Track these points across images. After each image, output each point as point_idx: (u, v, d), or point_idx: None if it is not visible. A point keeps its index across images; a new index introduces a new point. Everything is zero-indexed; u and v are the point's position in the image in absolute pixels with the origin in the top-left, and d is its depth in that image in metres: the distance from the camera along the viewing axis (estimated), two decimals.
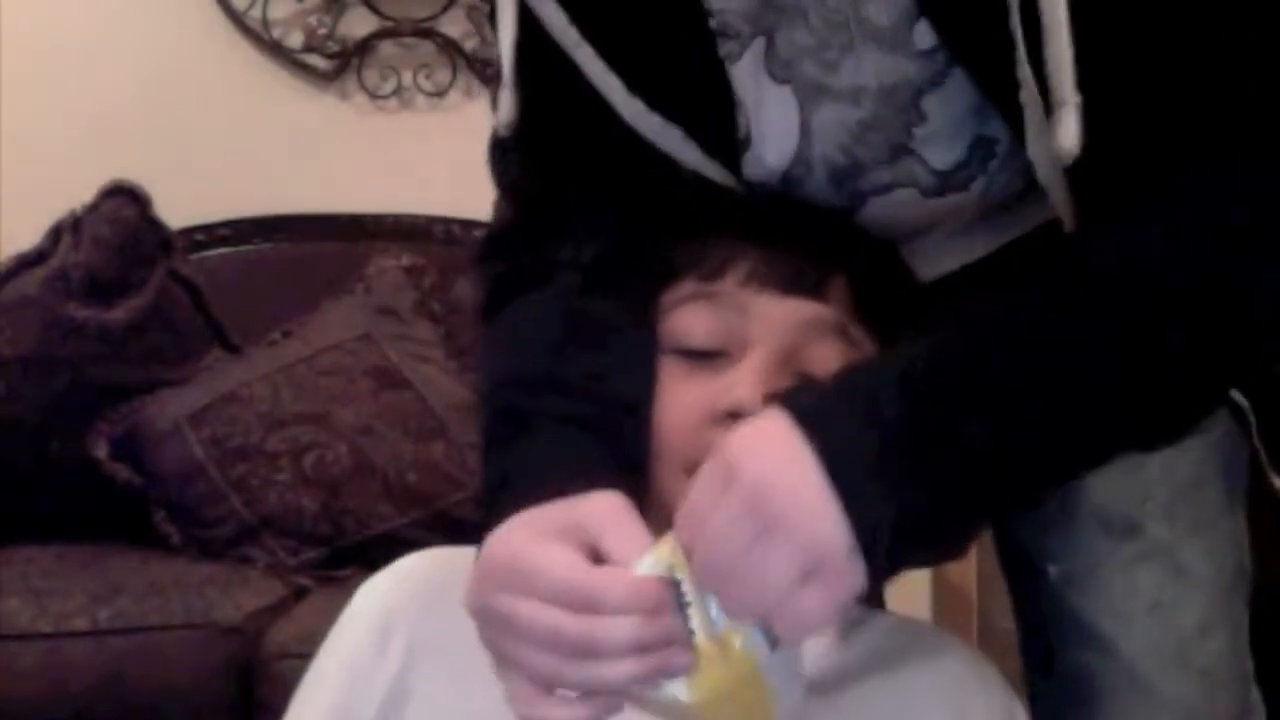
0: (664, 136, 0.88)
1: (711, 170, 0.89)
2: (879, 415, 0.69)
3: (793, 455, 0.68)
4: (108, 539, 2.15)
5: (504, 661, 0.73)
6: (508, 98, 0.89)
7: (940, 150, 0.85)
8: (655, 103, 0.86)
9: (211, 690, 1.84)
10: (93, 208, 2.27)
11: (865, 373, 0.75)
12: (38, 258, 2.27)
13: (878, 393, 0.70)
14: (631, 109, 0.87)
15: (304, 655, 1.76)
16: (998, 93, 0.79)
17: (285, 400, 2.16)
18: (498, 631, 0.73)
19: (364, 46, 2.61)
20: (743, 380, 0.81)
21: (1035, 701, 0.95)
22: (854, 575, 0.68)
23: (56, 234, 2.28)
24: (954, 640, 0.95)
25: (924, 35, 0.81)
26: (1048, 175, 0.80)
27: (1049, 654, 0.94)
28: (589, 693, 0.71)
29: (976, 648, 0.96)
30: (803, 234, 0.86)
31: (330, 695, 0.90)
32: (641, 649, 0.69)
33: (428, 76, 2.61)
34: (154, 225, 2.30)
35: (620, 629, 0.69)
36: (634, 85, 0.86)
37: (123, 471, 2.17)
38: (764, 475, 0.68)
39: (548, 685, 0.71)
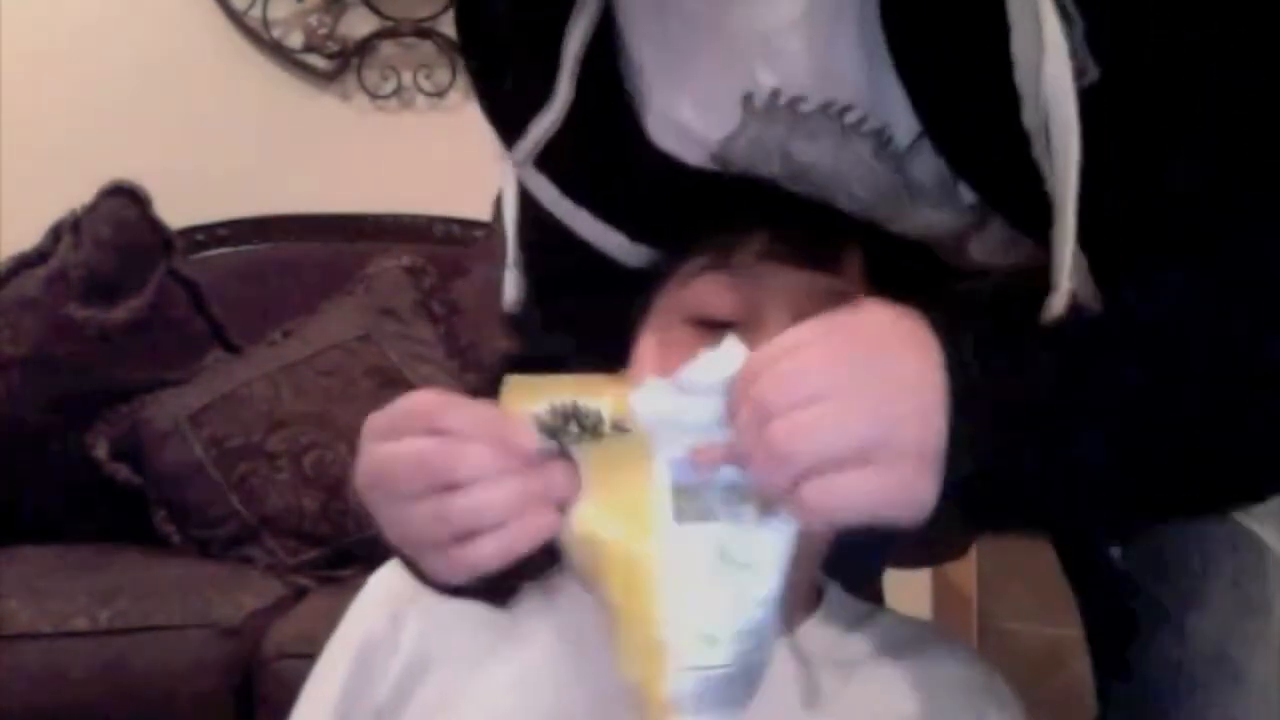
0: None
1: None
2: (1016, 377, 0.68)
3: (925, 344, 0.66)
4: (108, 539, 2.15)
5: (401, 531, 0.73)
6: (512, 279, 0.90)
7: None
8: (661, 241, 0.88)
9: (211, 690, 1.84)
10: (93, 208, 2.27)
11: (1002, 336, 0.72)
12: (38, 258, 2.27)
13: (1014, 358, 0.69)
14: (635, 255, 0.89)
15: (304, 655, 1.76)
16: (1037, 231, 0.78)
17: (285, 400, 2.16)
18: (385, 489, 0.73)
19: (364, 46, 2.62)
20: None
21: (1109, 697, 0.94)
22: (919, 484, 0.65)
23: (56, 234, 2.28)
24: (961, 643, 0.96)
25: (968, 192, 0.81)
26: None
27: (1123, 642, 0.92)
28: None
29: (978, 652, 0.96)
30: (813, 210, 0.86)
31: (343, 676, 0.91)
32: (505, 472, 0.68)
33: (428, 76, 2.62)
34: (154, 225, 2.30)
35: (479, 450, 0.68)
36: (638, 236, 0.88)
37: (123, 471, 2.17)
38: (887, 337, 0.66)
39: (441, 536, 0.70)
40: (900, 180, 0.82)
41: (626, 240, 0.89)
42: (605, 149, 0.86)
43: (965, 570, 2.20)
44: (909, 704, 0.87)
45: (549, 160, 0.87)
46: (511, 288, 0.90)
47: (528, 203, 0.90)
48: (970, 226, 0.84)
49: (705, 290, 0.85)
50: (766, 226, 0.85)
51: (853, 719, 0.86)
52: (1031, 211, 0.75)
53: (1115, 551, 0.92)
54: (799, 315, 0.81)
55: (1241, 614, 0.89)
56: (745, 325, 0.83)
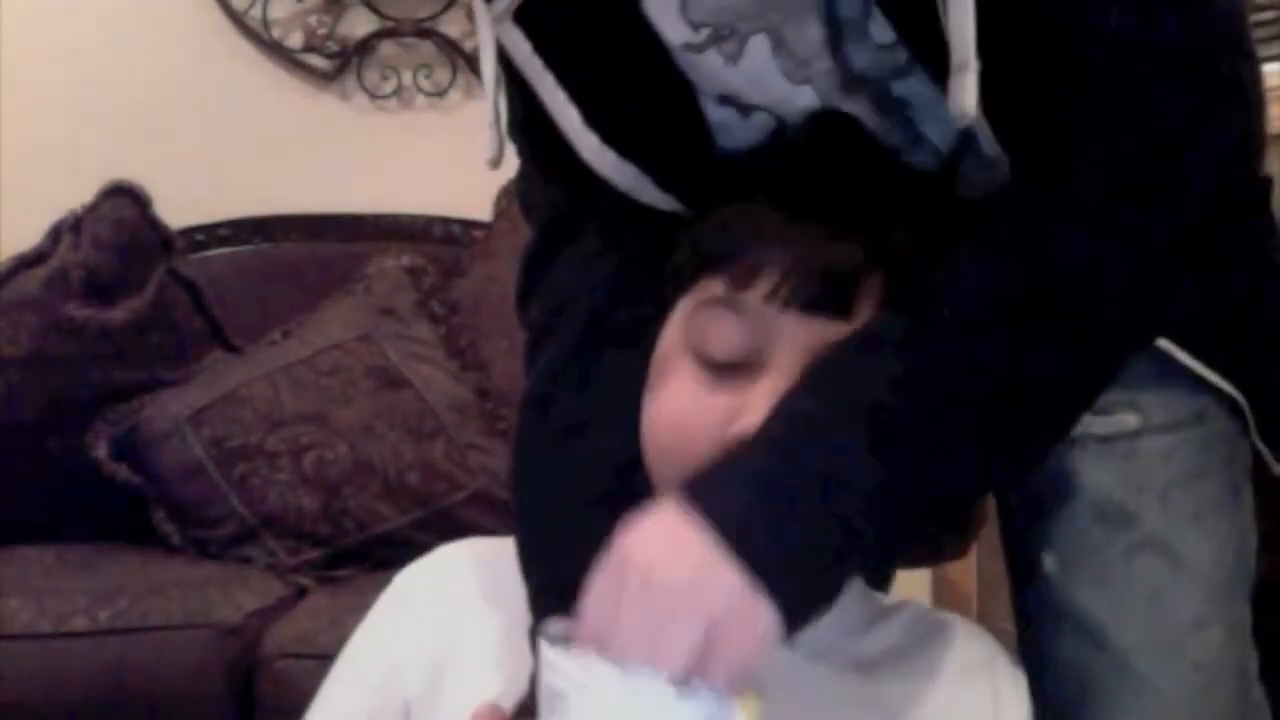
0: (619, 173, 0.89)
1: (666, 203, 0.90)
2: (759, 479, 0.74)
3: (680, 529, 0.72)
4: (108, 539, 2.15)
5: None
6: (490, 134, 0.90)
7: (935, 130, 0.86)
8: (610, 136, 0.87)
9: (211, 690, 1.84)
10: (93, 208, 2.27)
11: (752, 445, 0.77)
12: (38, 258, 2.27)
13: (761, 464, 0.75)
14: (587, 143, 0.88)
15: (304, 655, 1.78)
16: (938, 66, 0.80)
17: (285, 400, 2.16)
18: None
19: (364, 46, 2.62)
20: (754, 407, 0.80)
21: (1032, 698, 0.95)
22: (760, 615, 0.72)
23: (56, 234, 2.28)
24: (973, 627, 0.96)
25: (880, 30, 0.81)
26: (989, 146, 0.81)
27: (1045, 649, 0.94)
28: None
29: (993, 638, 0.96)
30: (841, 220, 0.83)
31: (373, 672, 0.91)
32: None
33: (428, 76, 2.62)
34: (154, 225, 2.30)
35: None
36: (592, 118, 0.87)
37: (123, 471, 2.16)
38: (652, 555, 0.72)
39: None
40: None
41: (580, 119, 0.87)
42: (589, 14, 0.86)
43: (965, 570, 2.20)
44: (924, 699, 0.88)
45: (528, 18, 0.86)
46: (490, 146, 0.91)
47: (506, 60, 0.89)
48: (890, 72, 0.84)
49: (713, 327, 0.83)
50: (783, 249, 0.82)
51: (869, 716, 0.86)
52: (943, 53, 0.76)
53: (1049, 559, 0.92)
54: (802, 364, 0.81)
55: (1156, 626, 0.89)
56: (751, 368, 0.82)
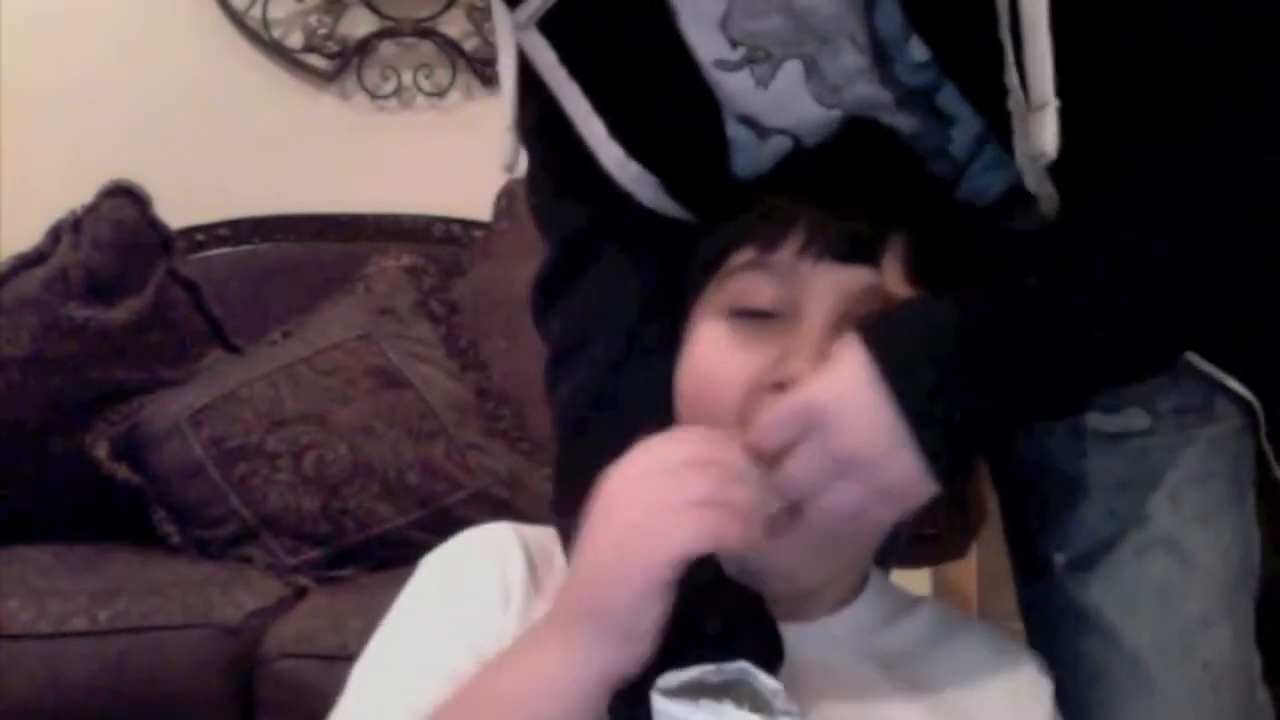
0: (641, 184, 0.89)
1: (683, 215, 0.91)
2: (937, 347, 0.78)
3: (877, 405, 0.77)
4: (108, 539, 2.15)
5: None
6: (510, 139, 0.91)
7: (960, 141, 0.87)
8: (635, 148, 0.88)
9: (211, 690, 1.84)
10: (93, 208, 2.27)
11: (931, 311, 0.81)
12: (38, 258, 2.27)
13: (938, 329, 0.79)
14: (610, 155, 0.88)
15: (304, 655, 1.78)
16: (985, 100, 0.81)
17: (285, 400, 2.16)
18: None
19: (364, 46, 2.62)
20: (797, 352, 0.81)
21: None
22: (920, 494, 0.79)
23: (56, 234, 2.28)
24: (995, 627, 0.97)
25: (918, 49, 0.82)
26: (1035, 180, 0.81)
27: (1054, 647, 0.94)
28: None
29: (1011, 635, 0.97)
30: (861, 188, 0.86)
31: (447, 617, 0.90)
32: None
33: (428, 76, 2.62)
34: (154, 225, 2.30)
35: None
36: (617, 129, 0.87)
37: (123, 471, 2.16)
38: (845, 419, 0.77)
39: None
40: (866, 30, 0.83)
41: (605, 130, 0.88)
42: (618, 25, 0.86)
43: (965, 570, 2.20)
44: (946, 693, 0.88)
45: (553, 26, 0.86)
46: (507, 151, 0.92)
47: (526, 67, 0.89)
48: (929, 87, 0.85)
49: (746, 285, 0.85)
50: (807, 210, 0.84)
51: (891, 711, 0.87)
52: (982, 75, 0.78)
53: (1059, 557, 0.93)
54: (837, 314, 0.83)
55: (1166, 624, 0.90)
56: (784, 317, 0.83)
